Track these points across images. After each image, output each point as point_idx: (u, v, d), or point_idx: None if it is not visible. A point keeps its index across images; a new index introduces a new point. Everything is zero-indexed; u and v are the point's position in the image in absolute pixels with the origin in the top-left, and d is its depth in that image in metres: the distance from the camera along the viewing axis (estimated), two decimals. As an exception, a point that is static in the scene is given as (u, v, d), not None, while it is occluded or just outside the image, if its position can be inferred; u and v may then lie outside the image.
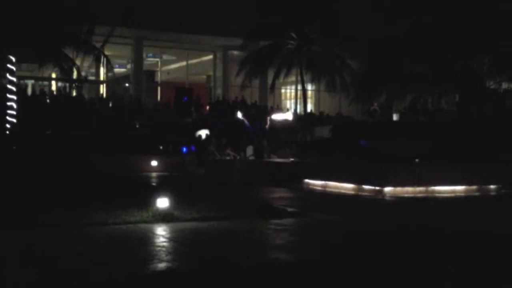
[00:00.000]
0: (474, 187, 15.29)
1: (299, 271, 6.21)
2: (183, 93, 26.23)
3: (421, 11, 19.47)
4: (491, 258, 7.03)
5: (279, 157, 24.73)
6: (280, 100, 39.15)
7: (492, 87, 20.54)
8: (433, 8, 19.31)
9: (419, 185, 14.70)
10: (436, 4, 19.39)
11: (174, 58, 39.89)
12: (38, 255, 6.73)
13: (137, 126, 28.50)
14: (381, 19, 20.67)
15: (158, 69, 39.65)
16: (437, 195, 14.52)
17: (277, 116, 26.32)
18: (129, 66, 38.21)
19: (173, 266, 6.27)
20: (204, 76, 41.10)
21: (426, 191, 14.67)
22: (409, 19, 19.86)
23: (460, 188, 15.08)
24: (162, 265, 6.27)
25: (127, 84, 38.13)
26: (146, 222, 8.93)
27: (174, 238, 7.86)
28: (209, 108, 34.15)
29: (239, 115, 25.43)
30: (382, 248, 7.64)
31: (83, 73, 25.46)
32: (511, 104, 20.77)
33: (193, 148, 24.36)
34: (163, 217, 9.14)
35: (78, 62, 24.21)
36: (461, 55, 19.17)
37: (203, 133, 27.81)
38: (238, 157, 23.93)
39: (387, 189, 14.45)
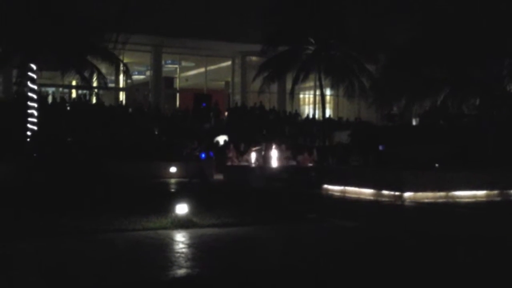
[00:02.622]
0: (495, 191, 15.10)
1: (313, 278, 6.18)
2: (202, 99, 26.15)
3: (439, 15, 19.29)
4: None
5: (299, 162, 24.68)
6: (299, 105, 39.07)
7: (512, 90, 20.28)
8: (450, 12, 19.14)
9: (439, 190, 14.54)
10: (454, 8, 19.22)
11: (192, 64, 40.03)
12: (58, 261, 6.78)
13: (156, 133, 28.61)
14: (398, 24, 20.51)
15: (177, 75, 39.80)
16: (458, 200, 14.36)
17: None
18: (148, 73, 38.43)
19: (193, 273, 6.28)
20: (223, 82, 41.17)
21: (447, 196, 14.51)
22: (426, 23, 19.69)
23: (481, 193, 14.90)
24: (181, 272, 6.28)
25: (146, 92, 38.35)
26: (165, 228, 8.96)
27: (193, 244, 7.87)
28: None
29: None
30: (395, 256, 7.59)
31: (103, 81, 25.55)
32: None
33: (211, 154, 24.38)
34: (182, 224, 9.16)
35: (98, 69, 24.39)
36: (480, 59, 18.96)
37: (222, 139, 27.85)
38: (256, 163, 23.90)
39: (407, 194, 14.32)
